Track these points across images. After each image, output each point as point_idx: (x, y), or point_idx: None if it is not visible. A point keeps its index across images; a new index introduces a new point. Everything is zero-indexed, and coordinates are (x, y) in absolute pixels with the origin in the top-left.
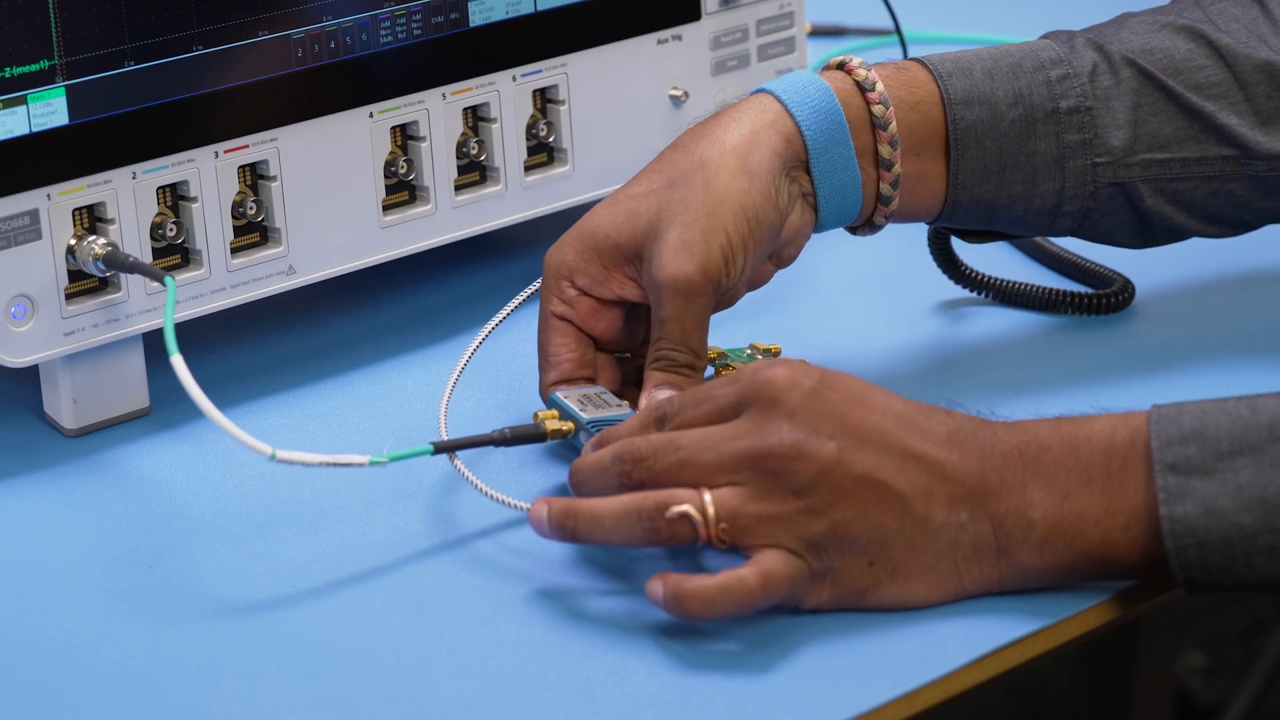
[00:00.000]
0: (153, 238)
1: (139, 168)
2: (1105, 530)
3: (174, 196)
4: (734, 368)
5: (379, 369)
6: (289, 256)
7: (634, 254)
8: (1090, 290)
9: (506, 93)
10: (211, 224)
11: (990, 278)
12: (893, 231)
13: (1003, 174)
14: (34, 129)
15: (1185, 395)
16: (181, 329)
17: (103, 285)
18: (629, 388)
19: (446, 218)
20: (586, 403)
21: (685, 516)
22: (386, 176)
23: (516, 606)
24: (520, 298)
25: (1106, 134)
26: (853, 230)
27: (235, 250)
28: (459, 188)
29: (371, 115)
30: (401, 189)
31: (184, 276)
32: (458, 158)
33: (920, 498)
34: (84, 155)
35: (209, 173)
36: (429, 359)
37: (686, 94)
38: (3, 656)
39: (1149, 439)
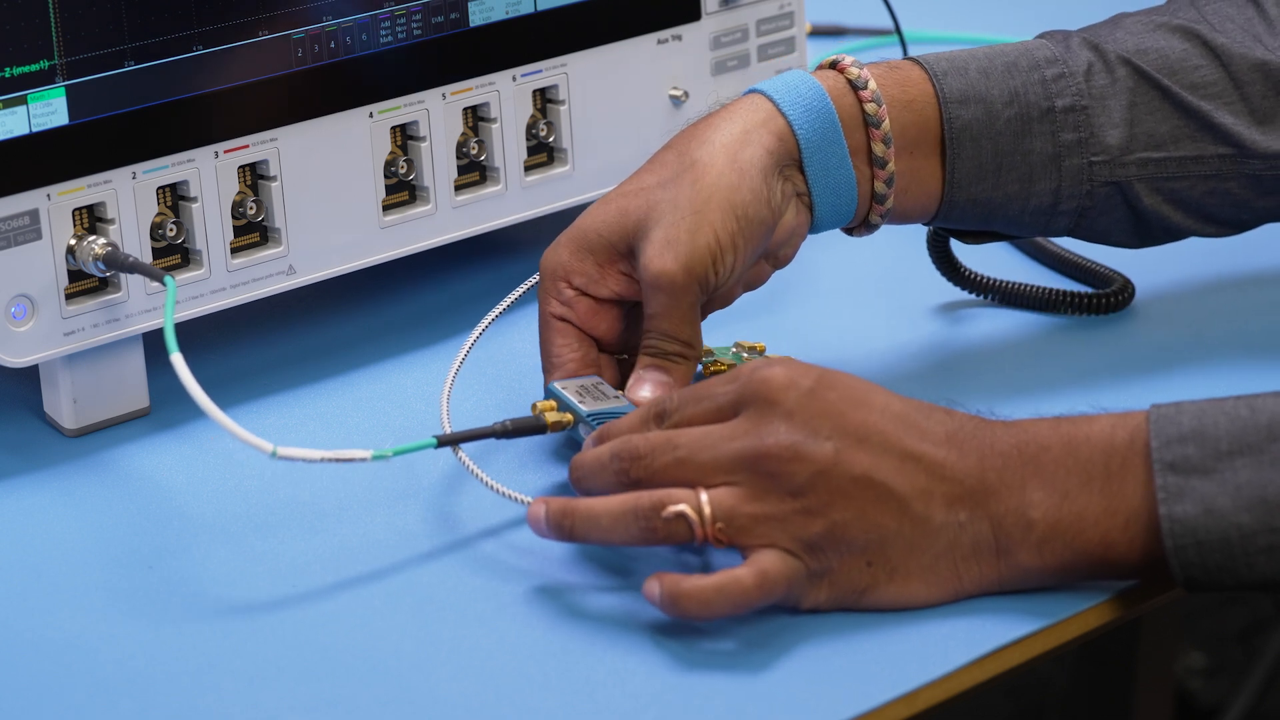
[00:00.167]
0: (153, 238)
1: (139, 168)
2: (1105, 530)
3: (174, 196)
4: (721, 364)
5: (379, 369)
6: (289, 256)
7: (626, 251)
8: (1090, 290)
9: (506, 93)
10: (211, 224)
11: (989, 279)
12: (892, 233)
13: (998, 173)
14: (34, 129)
15: (1185, 395)
16: (181, 329)
17: (103, 285)
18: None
19: (446, 218)
20: (584, 394)
21: (682, 516)
22: (386, 176)
23: (516, 606)
24: (521, 289)
25: (1102, 133)
26: (849, 231)
27: (235, 250)
28: (459, 188)
29: (371, 115)
30: (401, 189)
31: (184, 276)
32: (458, 158)
33: (919, 498)
34: (84, 155)
35: (209, 173)
36: (429, 359)
37: (686, 94)
38: (3, 656)
39: (1148, 438)
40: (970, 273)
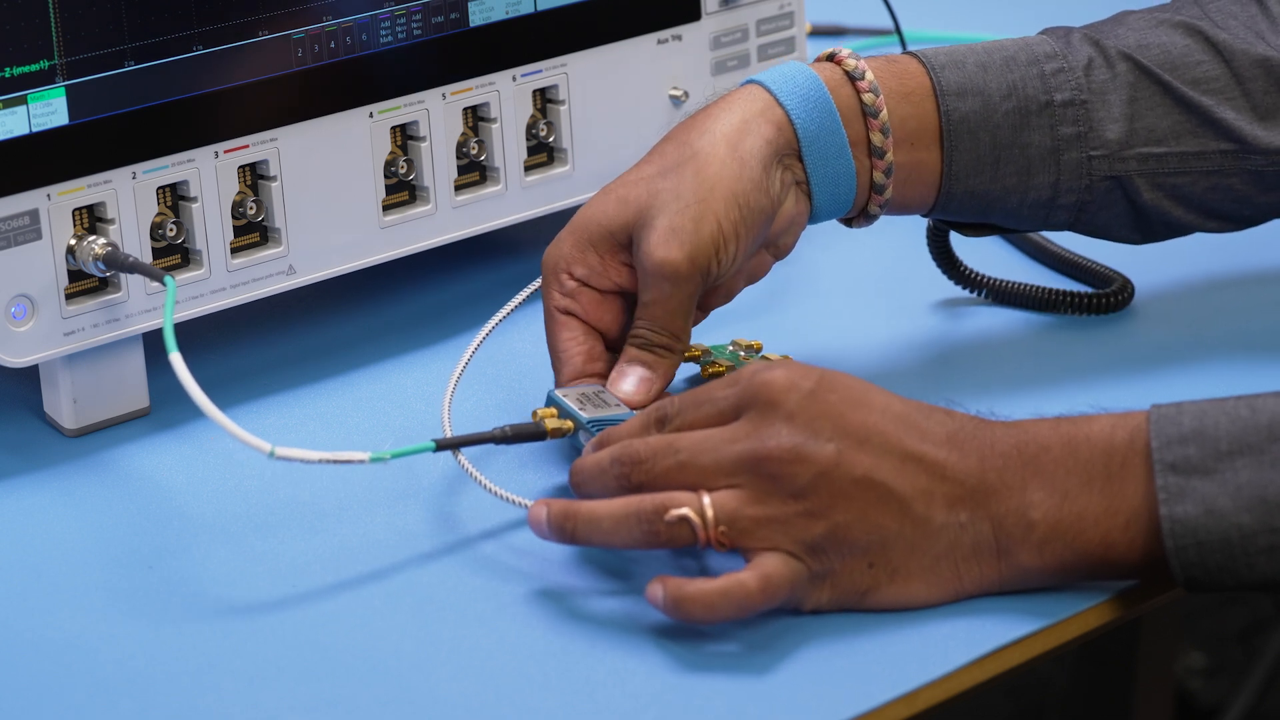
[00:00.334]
0: (153, 238)
1: (139, 168)
2: (1105, 530)
3: (174, 196)
4: (719, 364)
5: (379, 369)
6: (289, 256)
7: (627, 241)
8: (1090, 290)
9: (506, 93)
10: (211, 224)
11: (989, 278)
12: (892, 232)
13: (996, 166)
14: (34, 129)
15: (1185, 395)
16: (181, 329)
17: (103, 285)
18: None
19: (446, 218)
20: (585, 401)
21: (684, 519)
22: (386, 176)
23: (517, 606)
24: (523, 295)
25: (1102, 127)
26: (848, 221)
27: (235, 250)
28: (459, 188)
29: (371, 115)
30: (401, 189)
31: (184, 276)
32: (458, 158)
33: (920, 499)
34: (84, 155)
35: (209, 173)
36: (429, 359)
37: (686, 94)
38: (3, 656)
39: (1149, 439)
40: (970, 271)
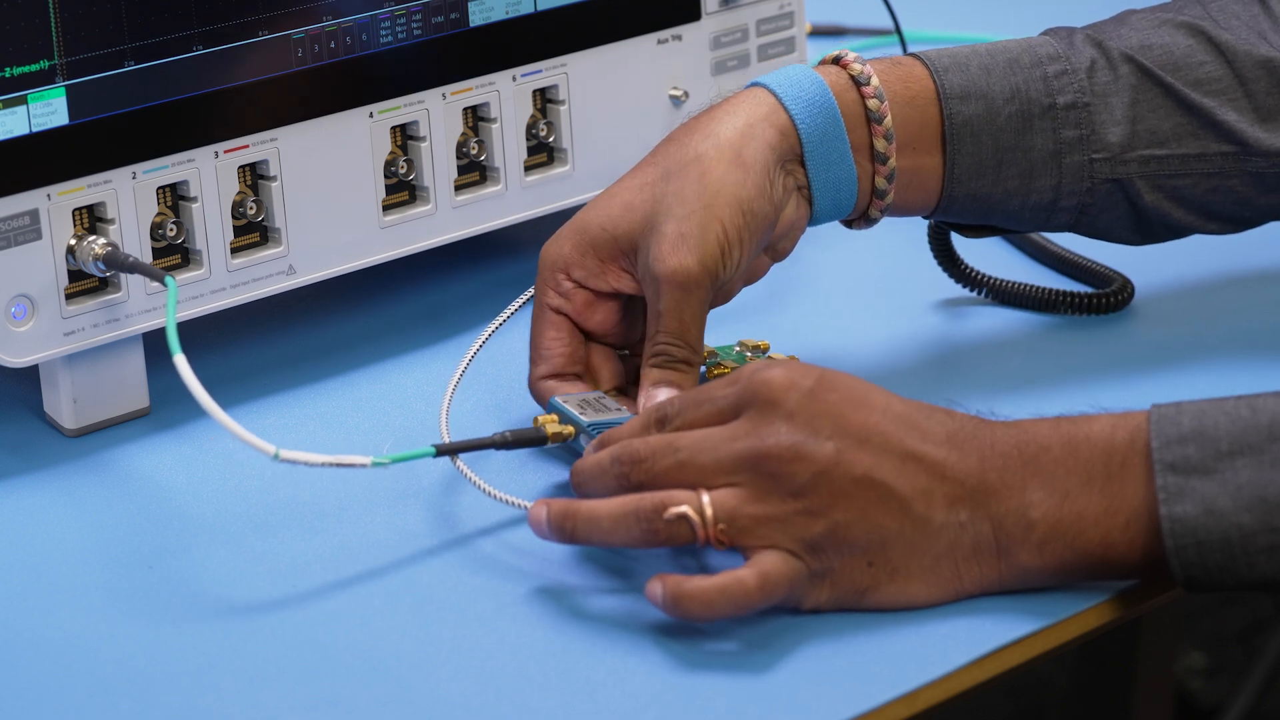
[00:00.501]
0: (153, 238)
1: (139, 168)
2: (1105, 530)
3: (174, 196)
4: (725, 365)
5: (379, 369)
6: (289, 256)
7: (630, 247)
8: (1089, 290)
9: (506, 93)
10: (211, 224)
11: (990, 277)
12: (892, 232)
13: (999, 169)
14: (34, 129)
15: (1185, 395)
16: (182, 329)
17: (103, 285)
18: (631, 386)
19: (446, 218)
20: (586, 407)
21: (683, 518)
22: (386, 176)
23: (517, 606)
24: (520, 300)
25: (1104, 130)
26: (848, 224)
27: (235, 250)
28: (459, 188)
29: (371, 115)
30: (401, 189)
31: (184, 276)
32: (458, 158)
33: (920, 498)
34: (84, 155)
35: (209, 173)
36: (429, 359)
37: (686, 94)
38: (3, 656)
39: (1149, 439)
40: (970, 270)
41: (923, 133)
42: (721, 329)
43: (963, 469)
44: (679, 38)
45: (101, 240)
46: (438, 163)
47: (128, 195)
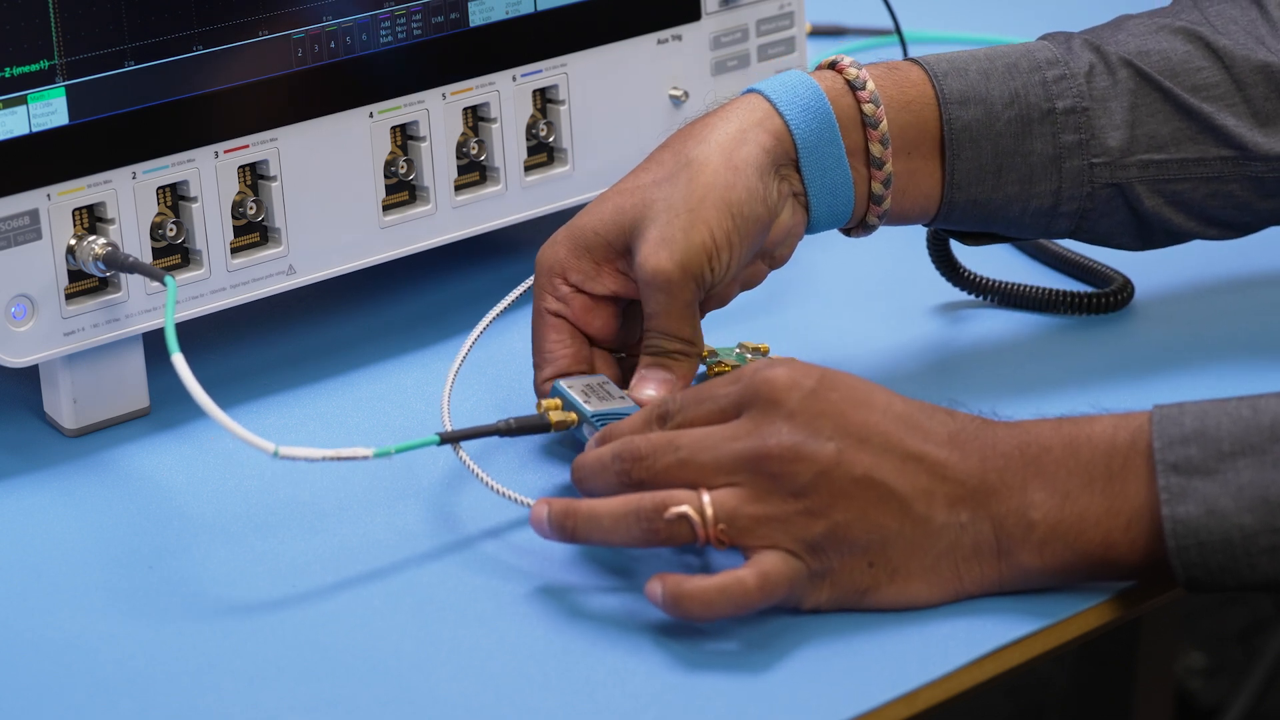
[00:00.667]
0: (153, 238)
1: (139, 168)
2: (1106, 531)
3: (174, 196)
4: (725, 364)
5: (379, 369)
6: (289, 256)
7: (623, 249)
8: (1089, 289)
9: (506, 93)
10: (211, 224)
11: (988, 280)
12: (892, 234)
13: (998, 174)
14: (34, 129)
15: (1185, 395)
16: (181, 329)
17: (103, 285)
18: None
19: (446, 218)
20: (590, 394)
21: (684, 517)
22: (386, 176)
23: (517, 606)
24: (520, 289)
25: (1103, 134)
26: (847, 231)
27: (235, 250)
28: (459, 188)
29: (371, 115)
30: (401, 189)
31: (184, 276)
32: (458, 158)
33: (920, 498)
34: (84, 155)
35: (209, 173)
36: (429, 359)
37: (686, 94)
38: (3, 656)
39: (1150, 439)
40: (969, 273)
41: (920, 138)
42: (722, 330)
43: (964, 469)
44: (679, 38)
45: (101, 240)
46: (438, 163)
47: (128, 195)
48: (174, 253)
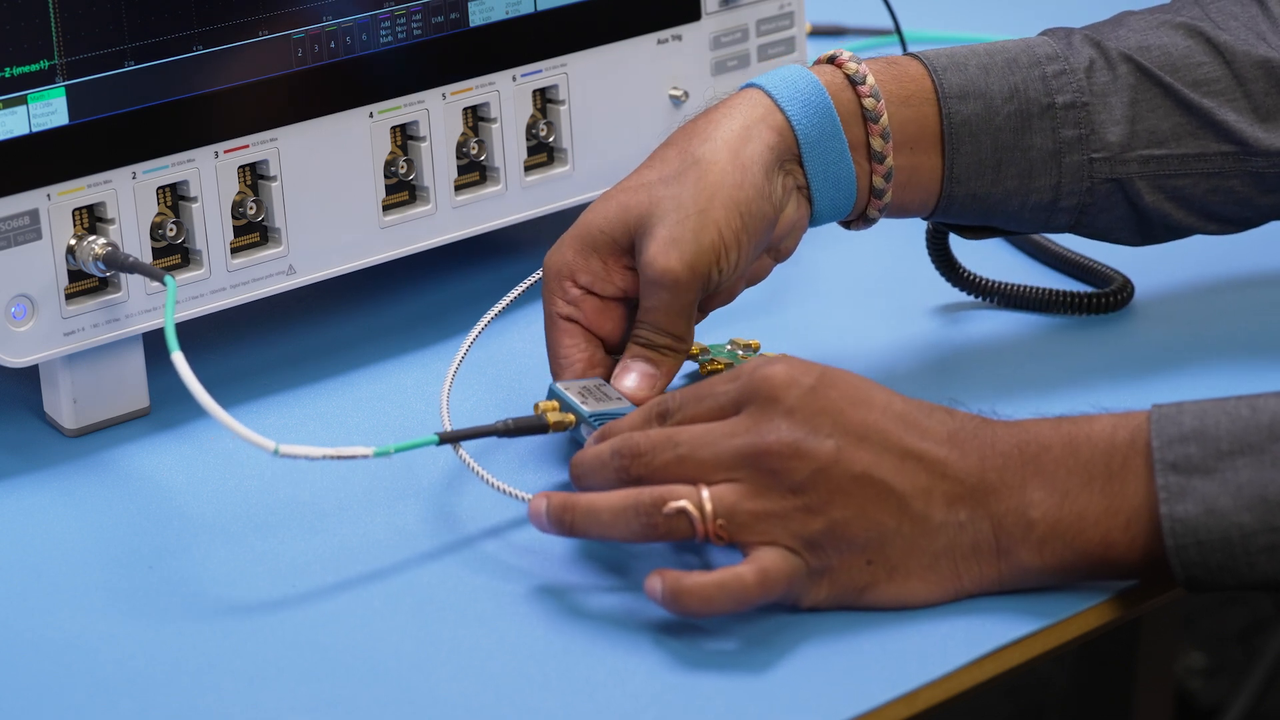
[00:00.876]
0: (153, 238)
1: (139, 168)
2: (1105, 530)
3: (174, 196)
4: (717, 362)
5: (379, 369)
6: (289, 256)
7: (629, 247)
8: (1089, 289)
9: (506, 93)
10: (211, 224)
11: (988, 280)
12: (891, 234)
13: (998, 169)
14: (34, 129)
15: (1185, 395)
16: (181, 329)
17: (103, 285)
18: None
19: (446, 218)
20: (587, 395)
21: (682, 512)
22: (386, 176)
23: (517, 606)
24: (520, 288)
25: (1103, 129)
26: (846, 224)
27: (235, 250)
28: (459, 188)
29: (371, 115)
30: (401, 189)
31: (184, 276)
32: (458, 158)
33: (919, 497)
34: (84, 155)
35: (209, 173)
36: (429, 359)
37: (686, 94)
38: (3, 656)
39: (1149, 438)
40: (969, 273)
41: (920, 132)
42: (722, 328)
43: (963, 468)
44: (679, 38)
45: (101, 240)
46: (438, 163)
47: (128, 195)
48: (174, 253)
